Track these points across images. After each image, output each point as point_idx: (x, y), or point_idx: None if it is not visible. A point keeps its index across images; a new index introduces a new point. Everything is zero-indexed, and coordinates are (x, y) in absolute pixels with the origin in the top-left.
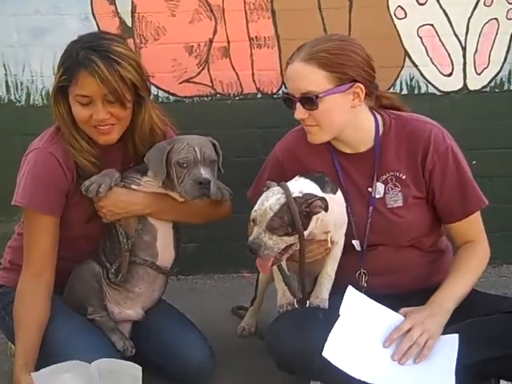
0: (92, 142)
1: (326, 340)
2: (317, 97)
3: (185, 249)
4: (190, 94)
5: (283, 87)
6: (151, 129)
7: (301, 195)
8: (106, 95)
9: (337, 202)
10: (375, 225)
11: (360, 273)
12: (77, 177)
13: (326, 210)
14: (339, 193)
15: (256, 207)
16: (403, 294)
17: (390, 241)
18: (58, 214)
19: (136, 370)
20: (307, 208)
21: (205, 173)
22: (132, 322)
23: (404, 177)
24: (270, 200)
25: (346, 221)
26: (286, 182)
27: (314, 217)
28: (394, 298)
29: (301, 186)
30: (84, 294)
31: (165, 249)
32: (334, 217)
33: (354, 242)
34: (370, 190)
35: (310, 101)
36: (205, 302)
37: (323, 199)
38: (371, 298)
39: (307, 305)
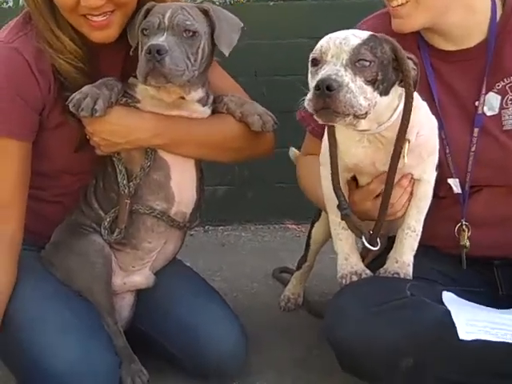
0: (79, 39)
1: (419, 330)
2: None
3: (213, 192)
4: None
5: None
6: None
7: None
8: None
9: (426, 112)
10: (483, 155)
11: (461, 225)
12: (56, 86)
13: (416, 83)
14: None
15: (322, 42)
16: None
17: (503, 179)
18: (26, 138)
19: None
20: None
21: (163, 40)
22: (136, 291)
23: None
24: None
25: (437, 148)
26: None
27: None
28: (503, 265)
29: None
30: (87, 286)
31: (183, 192)
32: (419, 122)
33: (450, 180)
34: (476, 103)
35: None
36: (237, 261)
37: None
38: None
39: (383, 272)
